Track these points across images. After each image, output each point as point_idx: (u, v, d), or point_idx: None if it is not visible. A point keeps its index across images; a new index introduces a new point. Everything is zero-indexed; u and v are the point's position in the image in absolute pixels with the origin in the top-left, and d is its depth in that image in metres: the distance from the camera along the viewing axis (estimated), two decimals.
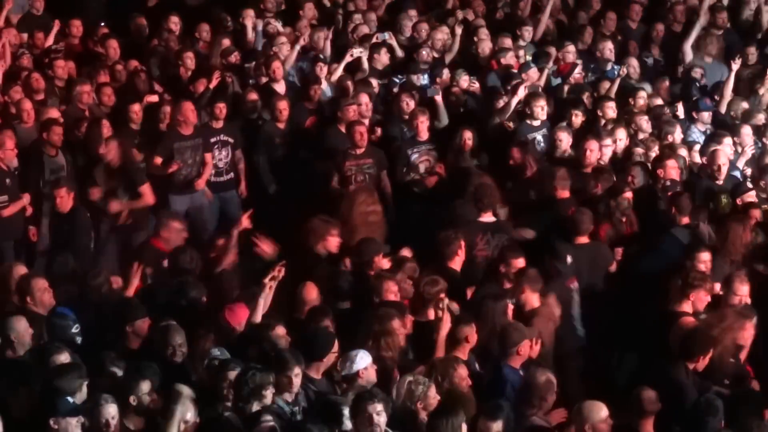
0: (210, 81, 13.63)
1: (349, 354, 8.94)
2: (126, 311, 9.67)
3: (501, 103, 13.73)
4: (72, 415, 7.92)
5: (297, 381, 8.57)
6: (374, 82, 14.33)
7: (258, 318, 9.51)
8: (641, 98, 14.15)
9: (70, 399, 8.02)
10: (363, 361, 8.89)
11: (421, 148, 13.16)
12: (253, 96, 13.79)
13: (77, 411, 7.96)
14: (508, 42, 15.34)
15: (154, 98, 13.74)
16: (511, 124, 13.57)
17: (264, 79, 14.31)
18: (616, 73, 14.96)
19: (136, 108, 13.18)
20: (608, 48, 15.45)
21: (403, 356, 9.50)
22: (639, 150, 13.01)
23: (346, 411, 8.21)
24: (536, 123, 13.52)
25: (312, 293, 10.13)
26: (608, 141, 13.04)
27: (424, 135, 13.18)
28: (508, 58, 14.94)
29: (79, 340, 9.35)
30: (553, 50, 15.22)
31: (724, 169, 12.46)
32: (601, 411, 8.51)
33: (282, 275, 9.57)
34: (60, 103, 13.59)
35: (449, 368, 8.95)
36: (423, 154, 13.13)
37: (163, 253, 11.09)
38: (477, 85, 14.50)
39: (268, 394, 8.33)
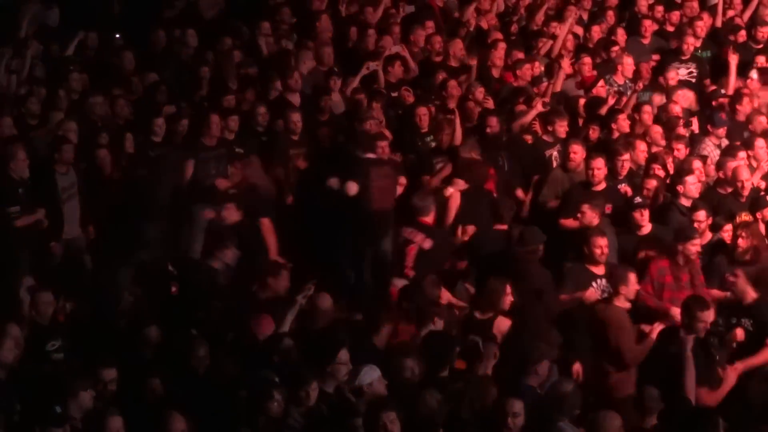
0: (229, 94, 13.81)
1: (357, 368, 9.01)
2: (136, 321, 9.73)
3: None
4: (57, 425, 7.96)
5: (314, 395, 8.64)
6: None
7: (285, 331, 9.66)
8: (646, 113, 14.17)
9: (57, 408, 8.04)
10: (369, 375, 8.98)
11: (444, 158, 13.26)
12: (262, 109, 13.80)
13: (63, 421, 8.00)
14: (521, 56, 15.37)
15: (171, 109, 13.76)
16: (529, 138, 13.64)
17: (275, 93, 14.32)
18: (628, 88, 15.03)
19: (160, 122, 13.21)
20: (628, 63, 15.41)
21: None
22: (658, 164, 12.99)
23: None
24: (551, 139, 13.58)
25: (326, 303, 10.13)
26: (626, 156, 13.01)
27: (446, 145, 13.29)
28: (523, 71, 14.97)
29: (59, 357, 9.38)
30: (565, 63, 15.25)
31: (748, 185, 12.49)
32: (614, 420, 8.56)
33: (311, 292, 9.78)
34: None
35: (486, 391, 8.97)
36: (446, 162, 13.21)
37: (431, 229, 11.80)
38: (491, 102, 14.49)
39: (273, 406, 8.39)
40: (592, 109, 14.46)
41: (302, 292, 9.80)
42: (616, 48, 15.67)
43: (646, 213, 11.95)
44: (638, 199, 12.07)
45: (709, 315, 10.08)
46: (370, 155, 12.53)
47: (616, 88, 15.02)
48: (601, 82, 14.99)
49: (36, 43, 14.39)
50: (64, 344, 9.50)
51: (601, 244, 11.32)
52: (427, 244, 11.92)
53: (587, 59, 15.40)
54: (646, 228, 11.96)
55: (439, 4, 17.07)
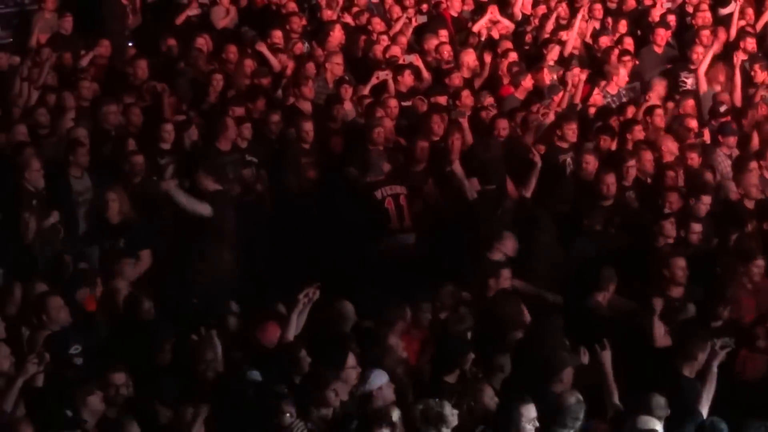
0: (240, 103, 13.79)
1: (365, 373, 9.01)
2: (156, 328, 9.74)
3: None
4: (68, 429, 8.01)
5: (334, 397, 8.64)
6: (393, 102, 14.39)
7: (291, 336, 9.54)
8: (658, 116, 14.21)
9: (68, 413, 8.08)
10: (378, 379, 8.97)
11: None
12: (276, 117, 13.82)
13: (74, 425, 8.04)
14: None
15: (181, 117, 13.78)
16: (542, 147, 13.69)
17: (291, 100, 14.37)
18: (623, 96, 15.10)
19: (169, 128, 13.17)
20: (622, 74, 15.48)
21: None
22: (671, 173, 13.03)
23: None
24: (565, 145, 13.60)
25: (348, 308, 10.16)
26: (632, 162, 13.05)
27: (456, 152, 13.28)
28: (526, 82, 15.03)
29: (79, 361, 9.34)
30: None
31: (756, 193, 12.53)
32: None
33: (316, 296, 9.61)
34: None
35: (478, 390, 8.99)
36: None
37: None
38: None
39: (285, 419, 8.42)
40: (602, 119, 14.49)
41: (304, 291, 9.62)
42: (626, 58, 15.71)
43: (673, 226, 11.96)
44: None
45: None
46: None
47: (609, 99, 15.09)
48: (596, 92, 15.02)
49: (51, 51, 14.39)
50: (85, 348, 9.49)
51: (682, 266, 11.18)
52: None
53: (576, 70, 15.42)
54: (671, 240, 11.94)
55: (453, 14, 17.15)
